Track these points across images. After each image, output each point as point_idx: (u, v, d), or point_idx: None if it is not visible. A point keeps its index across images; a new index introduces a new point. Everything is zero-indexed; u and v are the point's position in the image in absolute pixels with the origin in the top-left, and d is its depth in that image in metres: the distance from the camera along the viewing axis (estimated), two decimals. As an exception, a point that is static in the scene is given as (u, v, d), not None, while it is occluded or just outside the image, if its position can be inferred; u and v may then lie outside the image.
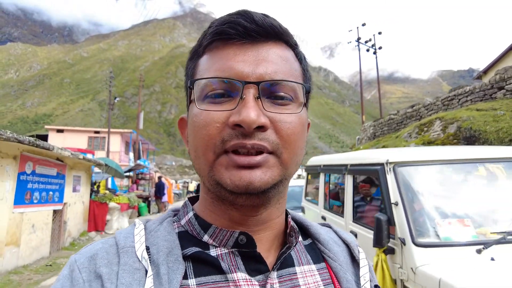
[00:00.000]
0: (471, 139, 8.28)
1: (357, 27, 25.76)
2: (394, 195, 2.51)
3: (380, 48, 26.35)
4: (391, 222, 2.46)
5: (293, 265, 0.58)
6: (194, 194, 1.24)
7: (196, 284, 0.50)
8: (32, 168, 6.91)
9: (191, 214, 0.59)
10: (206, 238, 0.55)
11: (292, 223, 0.61)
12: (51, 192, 7.92)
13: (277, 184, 0.51)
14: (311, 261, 0.60)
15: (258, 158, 0.49)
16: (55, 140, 25.60)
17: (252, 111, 0.48)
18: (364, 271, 0.62)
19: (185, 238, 0.55)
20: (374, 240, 2.43)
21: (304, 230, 0.66)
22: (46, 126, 31.71)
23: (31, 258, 7.04)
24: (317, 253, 0.63)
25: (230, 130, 0.49)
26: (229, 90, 0.51)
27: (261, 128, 0.49)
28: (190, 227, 0.57)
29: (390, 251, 2.46)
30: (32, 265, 6.94)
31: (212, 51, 0.54)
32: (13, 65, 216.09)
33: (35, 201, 7.11)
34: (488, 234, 2.31)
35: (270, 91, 0.51)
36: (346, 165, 3.50)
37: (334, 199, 4.10)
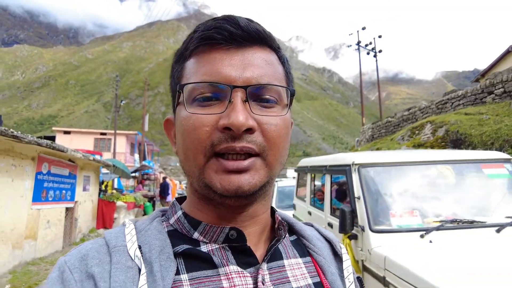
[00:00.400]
0: (457, 142, 8.77)
1: (357, 31, 26.23)
2: (357, 191, 3.04)
3: (380, 51, 26.79)
4: (354, 212, 3.00)
5: (281, 258, 0.60)
6: None
7: (188, 279, 0.51)
8: (48, 169, 7.51)
9: (179, 213, 0.60)
10: (196, 235, 0.57)
11: (280, 218, 0.64)
12: (63, 191, 8.52)
13: (264, 185, 0.53)
14: (298, 255, 0.63)
15: (246, 162, 0.51)
16: (62, 141, 26.25)
17: (241, 114, 0.49)
18: (347, 264, 0.66)
19: (175, 236, 0.56)
20: (339, 227, 2.97)
21: (289, 227, 0.68)
22: (53, 128, 32.48)
23: (47, 251, 7.64)
24: (302, 248, 0.65)
25: (219, 133, 0.51)
26: (217, 94, 0.53)
27: (249, 130, 0.51)
28: (180, 225, 0.58)
29: (354, 237, 2.99)
30: (47, 257, 7.53)
31: (198, 55, 0.56)
32: (19, 66, 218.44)
33: (50, 199, 7.71)
34: (431, 222, 2.84)
35: (256, 95, 0.53)
36: (326, 166, 4.05)
37: (318, 196, 4.65)
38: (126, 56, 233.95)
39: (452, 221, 2.83)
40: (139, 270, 0.49)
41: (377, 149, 11.48)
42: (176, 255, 0.53)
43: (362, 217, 2.92)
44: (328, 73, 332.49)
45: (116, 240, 0.53)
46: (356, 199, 3.01)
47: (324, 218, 3.96)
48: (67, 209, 8.88)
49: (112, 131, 25.42)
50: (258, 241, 0.60)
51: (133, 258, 0.50)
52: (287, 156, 0.59)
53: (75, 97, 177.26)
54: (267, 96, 0.54)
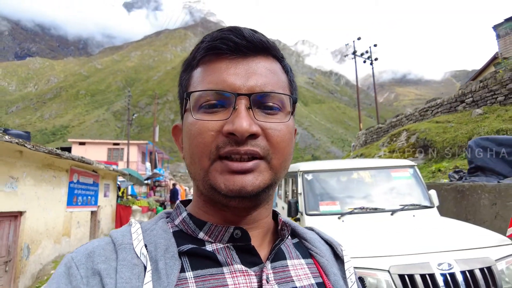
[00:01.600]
0: (425, 147, 10.14)
1: (353, 41, 27.66)
2: (300, 189, 4.51)
3: (376, 59, 28.12)
4: (297, 203, 4.46)
5: (284, 258, 0.62)
6: None
7: (194, 277, 0.52)
8: (77, 178, 9.11)
9: (184, 214, 0.62)
10: (201, 235, 0.58)
11: (283, 220, 0.66)
12: (89, 197, 10.12)
13: (268, 187, 0.55)
14: (300, 256, 0.65)
15: (250, 164, 0.53)
16: (77, 152, 28.04)
17: (244, 120, 0.52)
18: (348, 265, 0.69)
19: (180, 236, 0.58)
20: (287, 213, 4.43)
21: (292, 231, 0.70)
22: (69, 140, 34.40)
23: (77, 247, 9.22)
24: (304, 250, 0.68)
25: (224, 138, 0.53)
26: (222, 101, 0.55)
27: (253, 136, 0.53)
28: (185, 226, 0.60)
29: (297, 220, 4.45)
30: (78, 252, 9.11)
31: (205, 64, 0.59)
32: (32, 79, 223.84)
33: (79, 203, 9.30)
34: (347, 209, 4.29)
35: (260, 102, 0.56)
36: (290, 172, 5.53)
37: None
38: (134, 65, 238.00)
39: (361, 208, 4.28)
40: (145, 267, 0.51)
41: (361, 155, 12.89)
42: (181, 254, 0.55)
43: (302, 206, 4.38)
44: (335, 76, 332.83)
45: (122, 238, 0.55)
46: (299, 194, 4.48)
47: (280, 204, 5.47)
48: (92, 212, 10.48)
49: (124, 141, 27.21)
50: (261, 243, 0.62)
51: (139, 255, 0.52)
52: (290, 162, 0.60)
53: (85, 107, 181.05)
54: (271, 104, 0.57)
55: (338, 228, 3.87)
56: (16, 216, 6.35)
